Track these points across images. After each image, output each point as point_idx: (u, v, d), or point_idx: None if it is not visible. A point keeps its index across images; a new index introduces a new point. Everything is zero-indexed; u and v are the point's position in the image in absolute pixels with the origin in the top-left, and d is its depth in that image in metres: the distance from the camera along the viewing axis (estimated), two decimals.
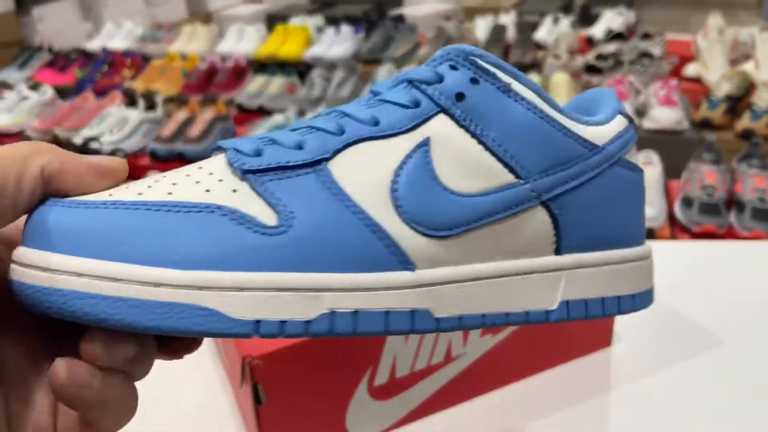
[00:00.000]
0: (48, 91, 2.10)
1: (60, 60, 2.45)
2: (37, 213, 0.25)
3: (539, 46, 2.32)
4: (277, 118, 1.88)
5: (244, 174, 0.26)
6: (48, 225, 0.24)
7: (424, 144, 0.28)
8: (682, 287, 0.64)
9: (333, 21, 2.63)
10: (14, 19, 2.84)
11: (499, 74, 0.29)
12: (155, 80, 2.24)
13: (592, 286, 0.31)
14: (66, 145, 1.72)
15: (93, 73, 2.34)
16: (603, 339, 0.56)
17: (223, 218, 0.25)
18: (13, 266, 0.24)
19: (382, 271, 0.26)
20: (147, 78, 2.26)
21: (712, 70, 1.98)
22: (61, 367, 0.23)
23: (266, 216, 0.26)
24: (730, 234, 1.31)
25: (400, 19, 2.70)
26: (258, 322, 0.24)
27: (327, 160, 0.27)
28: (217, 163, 0.28)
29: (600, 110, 0.33)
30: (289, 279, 0.25)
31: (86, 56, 2.45)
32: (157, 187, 0.26)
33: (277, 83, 2.11)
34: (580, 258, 0.31)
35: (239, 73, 2.22)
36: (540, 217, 0.30)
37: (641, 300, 0.33)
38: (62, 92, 2.18)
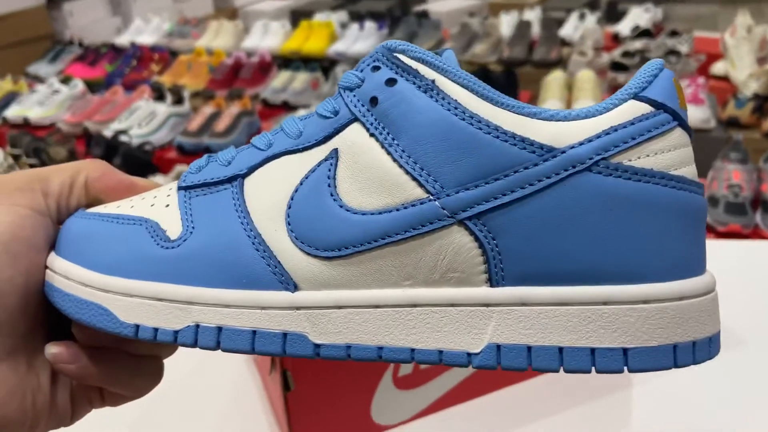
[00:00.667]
0: (79, 85, 2.15)
1: (90, 54, 2.49)
2: (64, 223, 0.29)
3: (564, 43, 2.31)
4: (301, 114, 1.90)
5: (178, 190, 0.29)
6: (61, 233, 0.29)
7: (331, 157, 0.26)
8: None
9: (357, 17, 2.64)
10: (45, 14, 2.89)
11: (423, 70, 0.26)
12: (182, 75, 2.27)
13: (544, 331, 0.25)
14: (96, 137, 1.75)
15: (122, 68, 2.38)
16: None
17: (144, 231, 0.27)
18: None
19: (259, 290, 0.26)
20: (174, 73, 2.29)
21: (740, 68, 1.95)
22: (47, 349, 0.28)
23: (175, 230, 0.27)
24: (755, 234, 1.30)
25: (424, 14, 2.70)
26: (137, 326, 0.26)
27: (243, 176, 0.27)
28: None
29: (618, 92, 0.26)
30: (164, 290, 0.26)
31: (115, 51, 2.49)
32: (135, 200, 0.30)
33: (301, 79, 2.13)
34: (525, 293, 0.25)
35: (264, 68, 2.24)
36: (457, 240, 0.25)
37: (648, 358, 0.24)
38: (92, 86, 2.22)
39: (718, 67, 2.03)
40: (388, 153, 0.25)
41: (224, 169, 0.28)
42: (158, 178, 1.59)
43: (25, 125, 2.02)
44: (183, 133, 1.85)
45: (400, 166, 0.25)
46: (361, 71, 0.27)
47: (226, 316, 0.26)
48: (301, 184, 0.26)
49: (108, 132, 1.84)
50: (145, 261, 0.27)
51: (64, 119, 1.99)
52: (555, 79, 1.90)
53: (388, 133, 0.25)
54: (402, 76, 0.26)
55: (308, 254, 0.26)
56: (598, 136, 0.25)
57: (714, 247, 0.73)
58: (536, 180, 0.24)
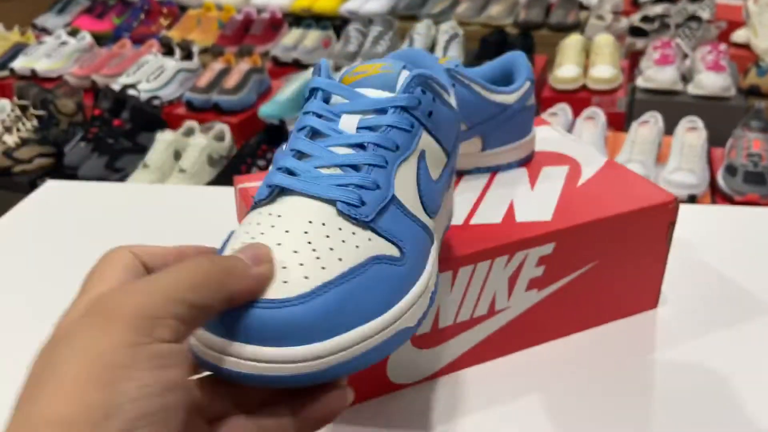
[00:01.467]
0: (86, 38, 2.11)
1: (98, 7, 2.45)
2: (236, 312, 0.29)
3: (582, 6, 2.25)
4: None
5: (368, 224, 0.33)
6: (264, 324, 0.28)
7: (423, 156, 0.37)
8: (730, 252, 0.62)
9: None
10: None
11: (441, 91, 0.39)
12: (191, 30, 2.23)
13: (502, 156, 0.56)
14: (104, 90, 1.73)
15: (130, 21, 2.34)
16: (649, 300, 0.55)
17: (382, 265, 0.32)
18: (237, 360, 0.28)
19: (430, 248, 0.37)
20: (183, 27, 2.25)
21: (762, 36, 1.91)
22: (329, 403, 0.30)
23: (392, 250, 0.33)
24: None
25: None
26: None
27: (389, 189, 0.35)
28: (320, 215, 0.32)
29: (517, 77, 0.56)
30: (416, 290, 0.34)
31: (123, 4, 2.45)
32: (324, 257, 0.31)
33: (312, 37, 2.09)
34: (498, 150, 0.56)
35: (275, 25, 2.20)
36: (475, 145, 0.54)
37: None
38: (100, 39, 2.18)
39: (740, 35, 1.99)
40: (438, 142, 0.39)
41: (379, 192, 0.34)
42: (167, 134, 1.57)
43: (33, 77, 1.99)
44: (192, 89, 1.82)
45: (443, 149, 0.39)
46: (412, 93, 0.37)
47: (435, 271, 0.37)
48: (418, 177, 0.37)
49: (116, 86, 1.81)
50: (399, 282, 0.33)
51: (72, 72, 1.96)
52: (572, 43, 1.86)
53: (437, 131, 0.38)
54: (436, 95, 0.38)
55: (430, 217, 0.38)
56: (524, 96, 0.55)
57: (737, 213, 0.72)
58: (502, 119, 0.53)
